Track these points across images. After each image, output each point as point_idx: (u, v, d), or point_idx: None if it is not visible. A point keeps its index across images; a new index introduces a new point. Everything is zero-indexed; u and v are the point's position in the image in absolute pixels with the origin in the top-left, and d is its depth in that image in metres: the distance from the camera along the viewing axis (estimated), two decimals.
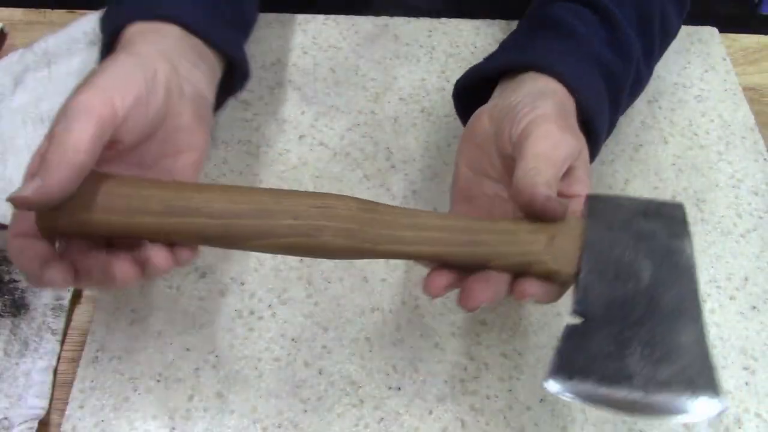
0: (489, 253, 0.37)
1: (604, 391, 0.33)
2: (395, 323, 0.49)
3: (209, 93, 0.47)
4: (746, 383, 0.47)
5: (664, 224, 0.37)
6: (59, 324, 0.47)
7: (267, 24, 0.67)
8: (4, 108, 0.56)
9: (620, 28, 0.50)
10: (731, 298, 0.51)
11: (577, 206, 0.40)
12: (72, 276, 0.36)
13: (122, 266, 0.36)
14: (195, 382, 0.45)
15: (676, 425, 0.45)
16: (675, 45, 0.58)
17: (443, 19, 0.69)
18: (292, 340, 0.48)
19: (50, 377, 0.45)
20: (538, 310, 0.50)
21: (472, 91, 0.51)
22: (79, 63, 0.59)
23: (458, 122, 0.59)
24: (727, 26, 0.71)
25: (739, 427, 0.45)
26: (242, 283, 0.50)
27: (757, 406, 0.46)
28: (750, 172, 0.59)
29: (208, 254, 0.51)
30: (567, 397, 0.34)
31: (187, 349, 0.47)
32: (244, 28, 0.54)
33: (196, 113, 0.44)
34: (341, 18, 0.68)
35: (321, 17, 0.68)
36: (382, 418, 0.45)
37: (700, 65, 0.67)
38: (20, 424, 0.43)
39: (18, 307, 0.48)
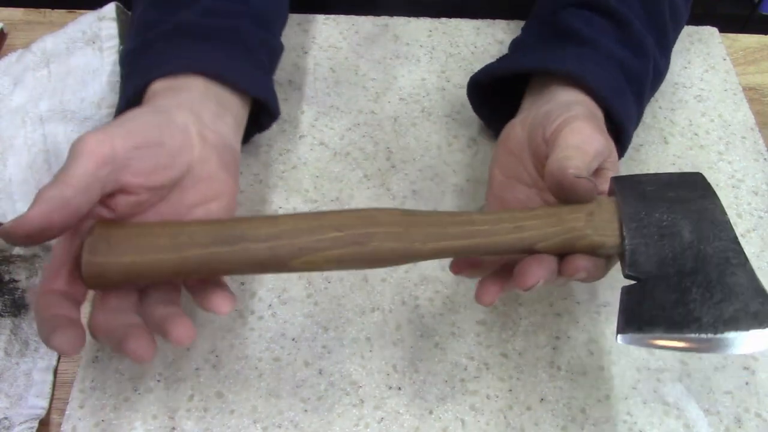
0: (534, 236, 0.38)
1: (675, 335, 0.35)
2: (395, 323, 0.49)
3: (235, 142, 0.47)
4: (746, 383, 0.47)
5: (690, 189, 0.39)
6: None
7: None
8: (4, 108, 0.56)
9: (631, 26, 0.51)
10: None
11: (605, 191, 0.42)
12: (82, 345, 0.34)
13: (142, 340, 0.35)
14: (195, 382, 0.45)
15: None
16: (675, 45, 0.58)
17: (443, 19, 0.69)
18: (292, 340, 0.48)
19: (50, 377, 0.45)
20: (538, 310, 0.50)
21: (484, 89, 0.55)
22: (77, 63, 0.59)
23: (458, 122, 0.59)
24: (727, 26, 0.71)
25: (739, 427, 0.45)
26: (242, 283, 0.50)
27: (757, 406, 0.46)
28: (750, 172, 0.59)
29: None
30: (642, 346, 0.36)
31: (187, 349, 0.47)
32: (273, 58, 0.55)
33: (222, 160, 0.44)
34: (341, 18, 0.68)
35: (321, 17, 0.68)
36: (382, 418, 0.45)
37: (700, 65, 0.67)
38: (20, 423, 0.43)
39: (18, 307, 0.48)
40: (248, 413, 0.44)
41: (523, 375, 0.47)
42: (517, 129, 0.47)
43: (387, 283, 0.50)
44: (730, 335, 0.35)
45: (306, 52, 0.65)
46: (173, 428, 0.44)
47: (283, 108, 0.60)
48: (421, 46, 0.66)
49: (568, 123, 0.41)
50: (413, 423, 0.45)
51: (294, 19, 0.67)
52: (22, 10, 0.67)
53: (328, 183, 0.56)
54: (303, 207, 0.54)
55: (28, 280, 0.49)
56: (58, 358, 0.46)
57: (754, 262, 0.53)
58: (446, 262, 0.43)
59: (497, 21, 0.69)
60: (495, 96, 0.55)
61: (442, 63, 0.65)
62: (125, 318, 0.37)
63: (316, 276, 0.50)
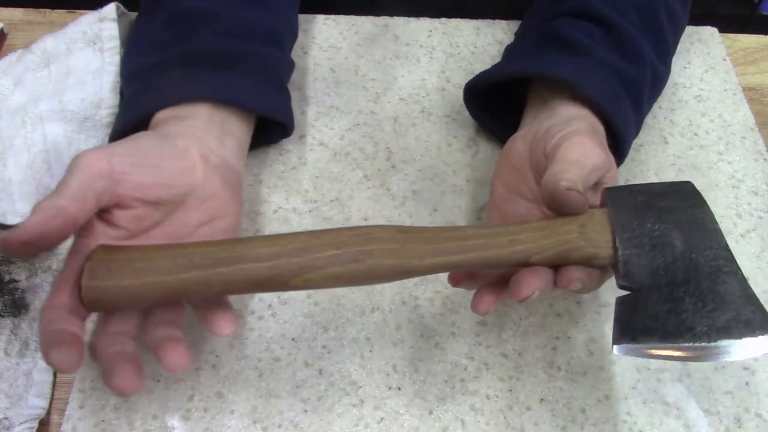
0: (529, 249, 0.38)
1: (670, 345, 0.35)
2: (395, 323, 0.49)
3: (238, 164, 0.48)
4: (746, 383, 0.47)
5: (680, 198, 0.40)
6: None
7: None
8: (4, 108, 0.56)
9: (625, 33, 0.51)
10: None
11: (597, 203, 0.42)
12: (80, 363, 0.35)
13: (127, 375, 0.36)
14: (195, 382, 0.45)
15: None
16: None
17: (443, 19, 0.69)
18: (292, 340, 0.48)
19: (50, 377, 0.45)
20: (538, 310, 0.50)
21: (480, 94, 0.55)
22: (78, 63, 0.59)
23: (458, 122, 0.59)
24: (727, 26, 0.71)
25: (739, 427, 0.45)
26: None
27: (757, 406, 0.46)
28: (750, 172, 0.59)
29: None
30: (638, 356, 0.37)
31: None
32: (288, 75, 0.56)
33: (225, 180, 0.45)
34: (341, 18, 0.68)
35: (321, 17, 0.68)
36: (382, 418, 0.45)
37: (700, 65, 0.67)
38: (20, 424, 0.43)
39: (18, 307, 0.48)
40: (248, 413, 0.44)
41: (523, 375, 0.47)
42: (518, 143, 0.48)
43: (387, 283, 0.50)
44: (724, 343, 0.35)
45: (306, 53, 0.65)
46: (173, 428, 0.44)
47: None
48: (421, 46, 0.66)
49: (568, 138, 0.42)
50: (413, 423, 0.45)
51: None
52: (22, 10, 0.67)
53: (328, 183, 0.56)
54: (303, 207, 0.54)
55: (28, 280, 0.49)
56: None
57: (754, 262, 0.53)
58: None
59: (497, 21, 0.69)
60: (491, 102, 0.56)
61: (442, 63, 0.65)
62: (119, 345, 0.37)
63: None
